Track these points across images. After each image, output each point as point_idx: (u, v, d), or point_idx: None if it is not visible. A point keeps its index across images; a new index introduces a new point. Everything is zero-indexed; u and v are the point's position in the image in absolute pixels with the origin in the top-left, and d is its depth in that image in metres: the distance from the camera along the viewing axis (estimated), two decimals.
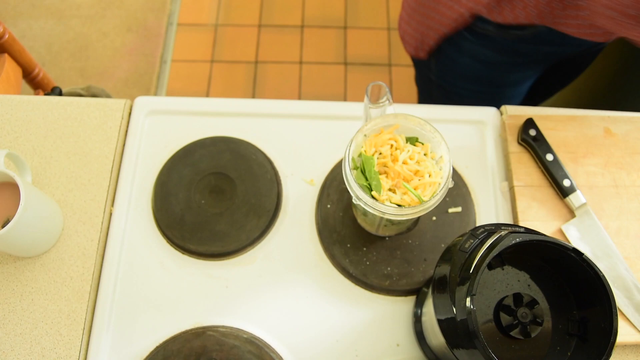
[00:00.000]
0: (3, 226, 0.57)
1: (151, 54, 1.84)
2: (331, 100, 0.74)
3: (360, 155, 0.54)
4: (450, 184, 0.52)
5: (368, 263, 0.63)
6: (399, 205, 0.52)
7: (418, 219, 0.65)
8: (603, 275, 0.43)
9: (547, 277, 0.48)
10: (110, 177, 0.68)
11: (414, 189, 0.52)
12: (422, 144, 0.55)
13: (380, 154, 0.54)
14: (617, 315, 0.42)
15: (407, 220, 0.58)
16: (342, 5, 1.95)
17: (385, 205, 0.51)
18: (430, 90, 0.99)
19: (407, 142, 0.55)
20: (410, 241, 0.64)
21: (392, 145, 0.54)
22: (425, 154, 0.54)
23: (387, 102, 0.57)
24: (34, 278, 0.62)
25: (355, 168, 0.54)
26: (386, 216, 0.52)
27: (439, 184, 0.53)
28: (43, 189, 0.67)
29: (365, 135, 0.55)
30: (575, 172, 0.67)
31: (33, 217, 0.59)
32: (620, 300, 0.60)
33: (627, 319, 0.59)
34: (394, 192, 0.53)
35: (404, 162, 0.53)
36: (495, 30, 0.73)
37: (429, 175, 0.53)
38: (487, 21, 0.72)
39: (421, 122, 0.54)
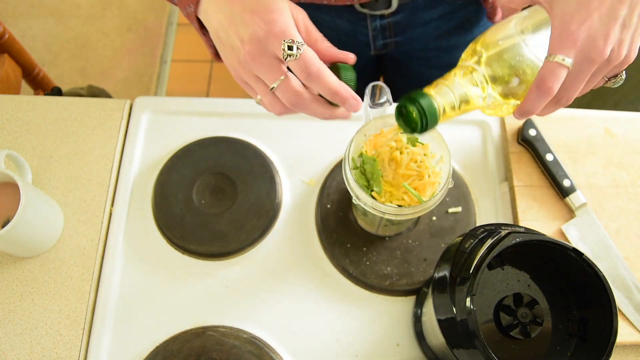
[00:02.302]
0: (3, 226, 0.57)
1: (151, 54, 1.84)
2: None
3: (360, 155, 0.54)
4: (450, 184, 0.52)
5: (368, 263, 0.63)
6: (399, 206, 0.52)
7: (418, 219, 0.65)
8: (603, 275, 0.43)
9: (547, 277, 0.48)
10: (110, 177, 0.68)
11: (414, 189, 0.52)
12: (422, 144, 0.55)
13: (380, 154, 0.54)
14: (617, 315, 0.42)
15: (407, 220, 0.58)
16: None
17: (385, 205, 0.51)
18: None
19: (407, 142, 0.55)
20: (410, 241, 0.64)
21: (391, 146, 0.54)
22: (425, 154, 0.55)
23: (387, 102, 0.57)
24: (34, 278, 0.62)
25: (355, 168, 0.54)
26: (386, 216, 0.52)
27: (439, 184, 0.53)
28: (43, 189, 0.67)
29: (365, 135, 0.55)
30: (575, 172, 0.67)
31: (33, 217, 0.59)
32: (620, 300, 0.60)
33: (627, 319, 0.59)
34: (394, 192, 0.53)
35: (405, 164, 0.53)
36: None
37: (429, 176, 0.53)
38: None
39: None
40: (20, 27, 1.87)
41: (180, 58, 1.87)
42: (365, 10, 0.69)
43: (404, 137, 0.55)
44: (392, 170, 0.53)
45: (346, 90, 0.43)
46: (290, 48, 0.40)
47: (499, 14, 0.73)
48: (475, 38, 0.78)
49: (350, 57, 0.46)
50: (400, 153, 0.54)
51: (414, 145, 0.55)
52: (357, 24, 0.73)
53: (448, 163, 0.52)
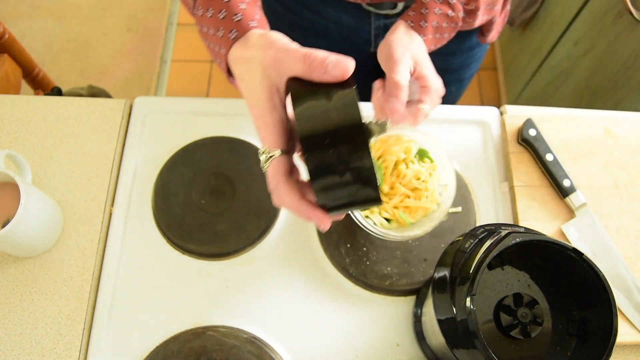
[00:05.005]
0: (3, 226, 0.57)
1: (151, 54, 1.84)
2: None
3: None
4: (444, 218, 0.52)
5: (368, 263, 0.63)
6: (387, 220, 0.52)
7: None
8: (603, 275, 0.43)
9: (547, 277, 0.48)
10: (110, 177, 0.68)
11: (406, 208, 0.52)
12: (432, 160, 0.55)
13: (385, 160, 0.54)
14: (617, 315, 0.42)
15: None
16: None
17: (372, 226, 0.51)
18: None
19: (416, 155, 0.55)
20: (410, 241, 0.64)
21: (399, 158, 0.54)
22: (430, 174, 0.54)
23: None
24: (34, 278, 0.62)
25: None
26: (372, 234, 0.52)
27: (433, 211, 0.53)
28: (43, 189, 0.67)
29: None
30: (575, 172, 0.67)
31: (33, 217, 0.59)
32: (620, 300, 0.60)
33: (627, 319, 0.59)
34: (386, 205, 0.53)
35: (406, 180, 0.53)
36: None
37: (426, 198, 0.53)
38: None
39: (426, 135, 0.54)
40: (20, 27, 1.87)
41: (180, 58, 1.87)
42: (370, 9, 0.70)
43: (414, 146, 0.54)
44: (391, 181, 0.53)
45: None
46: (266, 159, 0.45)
47: (491, 35, 0.73)
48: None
49: None
50: (406, 167, 0.53)
51: (422, 158, 0.55)
52: (361, 21, 0.74)
53: (450, 197, 0.52)
